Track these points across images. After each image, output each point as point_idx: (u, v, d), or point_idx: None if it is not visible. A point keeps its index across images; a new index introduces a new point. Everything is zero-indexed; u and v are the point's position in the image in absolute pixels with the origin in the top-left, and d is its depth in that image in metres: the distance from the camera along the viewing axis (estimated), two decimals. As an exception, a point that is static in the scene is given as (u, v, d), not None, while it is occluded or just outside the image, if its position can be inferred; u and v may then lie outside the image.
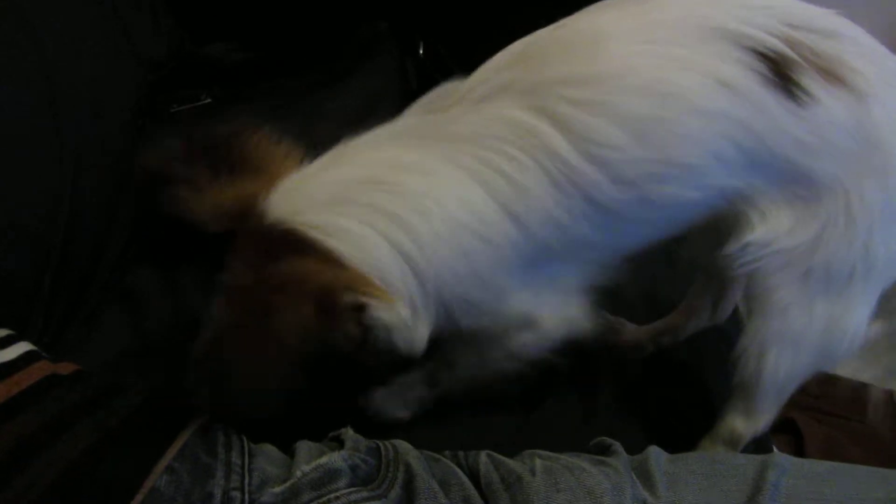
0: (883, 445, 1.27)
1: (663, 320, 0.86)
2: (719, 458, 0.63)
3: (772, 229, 0.60)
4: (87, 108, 0.83)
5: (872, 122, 0.58)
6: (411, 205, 0.57)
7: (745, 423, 0.72)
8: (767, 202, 0.60)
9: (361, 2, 1.07)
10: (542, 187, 0.57)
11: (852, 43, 0.59)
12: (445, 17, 1.08)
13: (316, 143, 0.91)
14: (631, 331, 0.87)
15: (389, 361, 0.61)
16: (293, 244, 0.55)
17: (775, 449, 1.16)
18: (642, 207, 0.59)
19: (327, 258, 0.55)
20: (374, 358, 0.60)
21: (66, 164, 0.78)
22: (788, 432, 1.42)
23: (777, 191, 0.60)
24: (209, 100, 0.96)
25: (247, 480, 0.52)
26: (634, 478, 0.58)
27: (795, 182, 0.59)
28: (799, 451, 1.39)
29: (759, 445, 0.77)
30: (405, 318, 0.57)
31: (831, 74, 0.57)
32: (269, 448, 0.56)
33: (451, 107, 0.60)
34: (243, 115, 0.94)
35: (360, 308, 0.55)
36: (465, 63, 1.06)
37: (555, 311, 0.64)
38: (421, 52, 1.05)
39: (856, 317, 0.64)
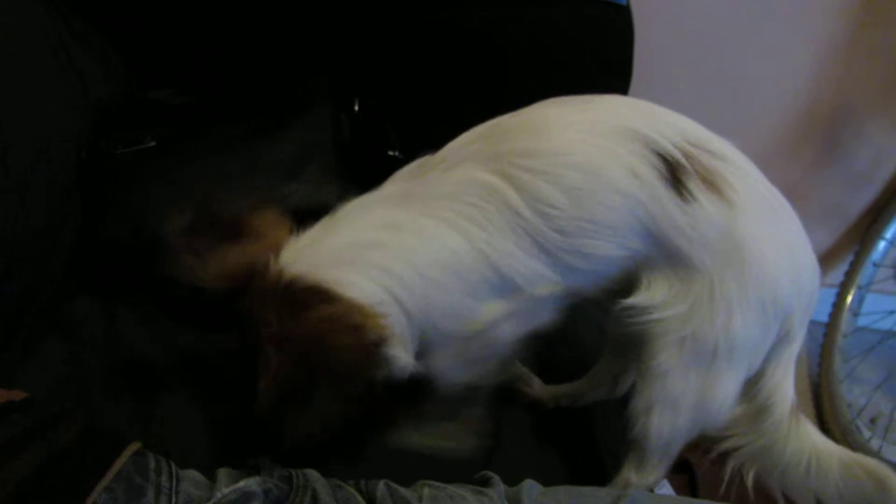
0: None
1: (568, 385, 0.96)
2: (584, 491, 0.72)
3: (651, 297, 0.72)
4: (32, 144, 0.87)
5: (737, 227, 0.69)
6: (401, 258, 0.69)
7: (637, 476, 0.81)
8: (655, 273, 0.72)
9: (302, 57, 1.14)
10: (504, 233, 0.69)
11: (734, 165, 0.71)
12: (379, 75, 1.16)
13: (253, 188, 0.98)
14: (537, 386, 0.96)
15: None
16: (319, 294, 0.66)
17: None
18: (579, 257, 0.70)
19: (350, 304, 0.66)
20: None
21: (10, 195, 0.83)
22: (685, 472, 1.53)
23: (664, 265, 0.71)
24: (153, 143, 1.00)
25: (174, 501, 0.58)
26: None
27: (676, 261, 0.71)
28: (693, 491, 1.50)
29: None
30: (405, 354, 0.69)
31: (711, 184, 0.69)
32: (194, 473, 0.63)
33: (426, 173, 0.73)
34: (187, 159, 1.00)
35: (380, 343, 0.66)
36: (396, 117, 1.15)
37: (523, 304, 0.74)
38: (356, 107, 1.11)
39: (723, 389, 0.74)
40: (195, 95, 1.11)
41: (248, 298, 0.67)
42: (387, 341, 0.66)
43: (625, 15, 1.14)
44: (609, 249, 0.71)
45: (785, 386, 0.78)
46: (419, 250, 0.70)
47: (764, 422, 0.79)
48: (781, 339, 0.75)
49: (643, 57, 1.16)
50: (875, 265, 1.64)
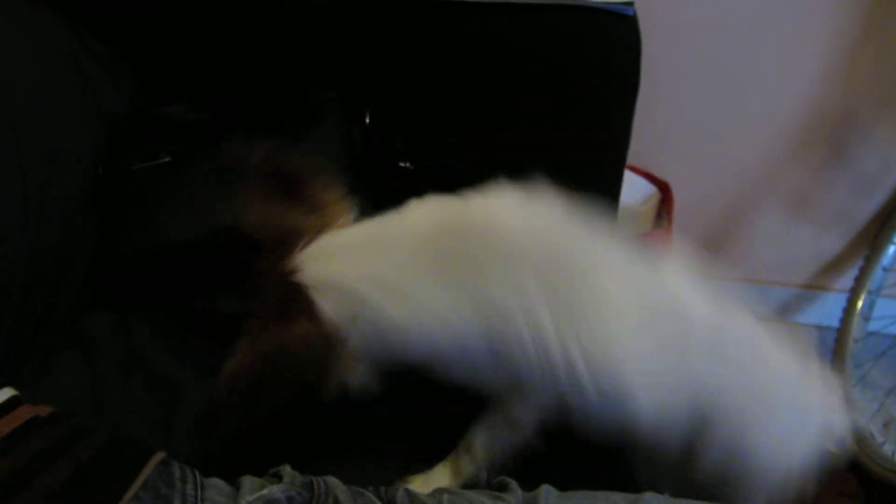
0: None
1: None
2: (600, 494, 0.72)
3: None
4: (48, 157, 0.89)
5: None
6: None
7: None
8: None
9: (313, 71, 1.15)
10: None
11: None
12: (389, 87, 1.17)
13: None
14: None
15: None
16: (305, 306, 0.66)
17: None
18: None
19: (321, 328, 0.66)
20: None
21: (28, 210, 0.84)
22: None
23: None
24: (168, 158, 1.02)
25: None
26: None
27: None
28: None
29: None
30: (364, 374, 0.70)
31: None
32: (218, 481, 0.64)
33: None
34: (202, 173, 1.01)
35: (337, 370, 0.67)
36: (406, 129, 1.16)
37: None
38: (366, 119, 1.12)
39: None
40: (208, 111, 1.11)
41: (266, 264, 0.68)
42: (344, 365, 0.67)
43: (631, 25, 1.15)
44: None
45: None
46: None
47: None
48: None
49: (649, 63, 1.16)
50: (885, 270, 1.64)
